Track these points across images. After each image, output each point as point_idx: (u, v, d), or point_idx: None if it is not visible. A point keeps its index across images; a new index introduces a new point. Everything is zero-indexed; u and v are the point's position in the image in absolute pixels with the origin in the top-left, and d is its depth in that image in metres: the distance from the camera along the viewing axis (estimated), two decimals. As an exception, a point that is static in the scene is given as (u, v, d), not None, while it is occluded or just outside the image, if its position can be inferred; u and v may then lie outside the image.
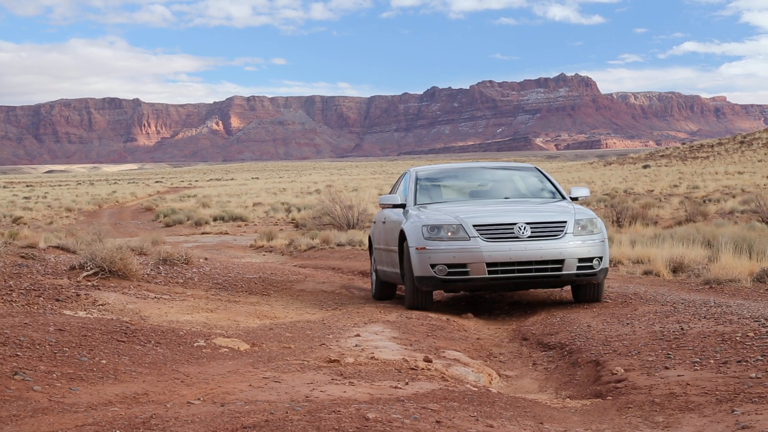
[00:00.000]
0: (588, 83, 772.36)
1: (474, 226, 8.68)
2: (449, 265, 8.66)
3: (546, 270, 8.64)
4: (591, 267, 8.78)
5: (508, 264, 8.59)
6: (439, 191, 10.29)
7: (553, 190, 10.16)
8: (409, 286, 9.06)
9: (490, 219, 8.81)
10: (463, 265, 8.64)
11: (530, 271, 8.62)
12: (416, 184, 10.21)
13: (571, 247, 8.68)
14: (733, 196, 34.87)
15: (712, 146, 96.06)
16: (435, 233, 8.76)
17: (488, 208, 9.41)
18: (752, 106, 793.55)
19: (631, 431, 4.34)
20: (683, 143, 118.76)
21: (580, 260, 8.71)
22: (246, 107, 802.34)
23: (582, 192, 9.98)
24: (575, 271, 8.70)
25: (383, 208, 10.16)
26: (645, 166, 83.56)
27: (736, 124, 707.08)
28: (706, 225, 21.02)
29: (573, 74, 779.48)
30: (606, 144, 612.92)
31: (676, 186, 46.26)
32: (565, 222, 8.80)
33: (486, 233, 8.66)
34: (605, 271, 9.02)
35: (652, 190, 43.94)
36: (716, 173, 59.92)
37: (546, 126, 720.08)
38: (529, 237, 8.60)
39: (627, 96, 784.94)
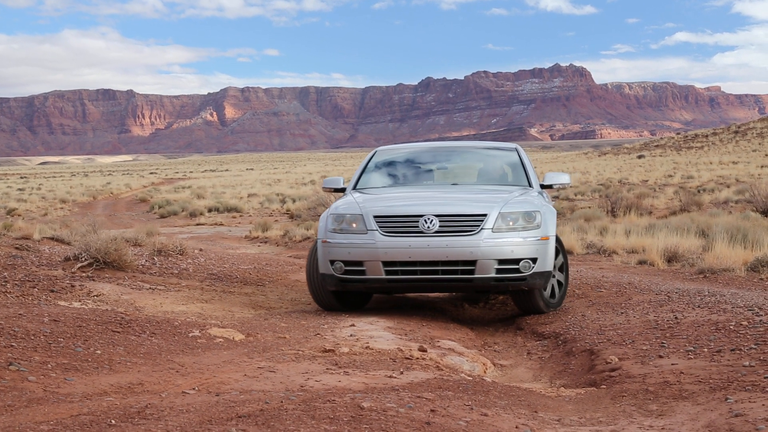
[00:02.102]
0: (582, 73, 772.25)
1: (375, 217, 7.45)
2: (345, 262, 7.50)
3: (455, 272, 7.31)
4: (517, 271, 7.37)
5: (409, 264, 7.30)
6: (390, 174, 9.12)
7: (523, 175, 8.83)
8: (312, 282, 8.00)
9: (394, 209, 7.55)
10: (360, 263, 7.43)
11: (436, 273, 7.30)
12: (366, 165, 9.18)
13: (487, 245, 7.27)
14: (728, 186, 34.93)
15: (707, 136, 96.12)
16: (338, 224, 7.62)
17: (413, 194, 8.28)
18: (746, 95, 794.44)
19: (625, 419, 4.36)
20: (678, 133, 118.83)
21: (501, 262, 7.31)
22: (240, 98, 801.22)
23: (559, 179, 8.77)
24: (494, 275, 7.32)
25: (326, 191, 9.13)
26: (640, 156, 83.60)
27: (730, 114, 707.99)
28: (700, 215, 21.07)
29: (567, 64, 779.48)
30: (601, 134, 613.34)
31: (670, 176, 46.30)
32: (483, 215, 7.38)
33: (386, 226, 7.41)
34: (545, 276, 7.58)
35: (647, 180, 43.97)
36: (711, 163, 59.98)
37: (541, 116, 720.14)
38: (436, 232, 7.28)
39: (621, 86, 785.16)
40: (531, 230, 7.47)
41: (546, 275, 7.59)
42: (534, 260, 7.43)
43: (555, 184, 8.69)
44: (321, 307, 8.11)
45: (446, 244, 7.24)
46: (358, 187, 8.78)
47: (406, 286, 7.55)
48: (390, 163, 9.32)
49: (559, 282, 8.11)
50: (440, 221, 7.32)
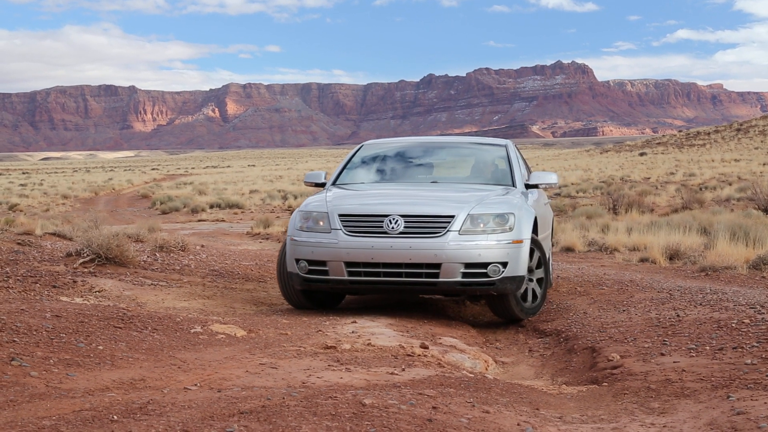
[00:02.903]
0: (585, 70, 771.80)
1: (339, 216, 7.26)
2: (309, 262, 7.32)
3: (420, 275, 7.04)
4: (485, 275, 7.06)
5: (372, 265, 7.08)
6: (372, 170, 8.88)
7: (508, 174, 8.48)
8: (280, 280, 7.82)
9: (358, 208, 7.35)
10: (323, 263, 7.24)
11: (400, 275, 7.05)
12: (349, 160, 8.95)
13: (453, 248, 6.99)
14: (730, 184, 34.90)
15: (709, 134, 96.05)
16: (305, 222, 7.45)
17: (384, 192, 8.05)
18: (749, 93, 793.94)
19: (627, 417, 4.36)
20: (680, 131, 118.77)
21: (468, 265, 7.02)
22: (242, 94, 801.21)
23: (545, 179, 8.38)
24: (459, 279, 7.03)
25: (307, 185, 8.85)
26: (641, 154, 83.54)
27: (732, 112, 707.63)
28: (702, 212, 21.06)
29: (570, 62, 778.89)
30: (602, 131, 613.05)
31: (672, 173, 46.26)
32: (451, 217, 7.10)
33: (350, 226, 7.20)
34: (517, 281, 7.24)
35: (649, 178, 43.94)
36: (713, 161, 59.93)
37: (542, 113, 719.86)
38: (400, 233, 7.04)
39: (624, 83, 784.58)
40: (502, 233, 7.15)
41: (518, 280, 7.26)
42: (504, 264, 7.11)
43: (541, 184, 8.35)
44: (291, 305, 7.93)
45: (410, 246, 6.99)
46: (338, 182, 8.58)
47: (369, 288, 7.31)
48: (374, 159, 9.09)
49: (536, 288, 7.73)
50: (405, 222, 7.07)
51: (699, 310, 7.21)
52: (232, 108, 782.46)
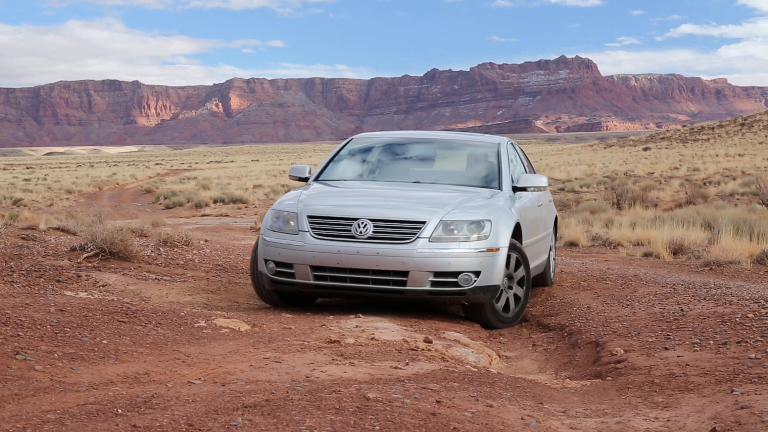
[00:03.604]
0: (588, 65, 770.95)
1: (308, 217, 7.04)
2: (276, 263, 7.15)
3: (387, 282, 6.84)
4: (455, 284, 6.83)
5: (338, 270, 6.87)
6: (357, 166, 8.65)
7: (496, 175, 8.18)
8: (253, 277, 7.68)
9: (327, 210, 7.10)
10: (289, 266, 7.05)
11: (366, 282, 6.86)
12: (335, 154, 8.70)
13: (421, 255, 6.73)
14: (734, 179, 34.88)
15: (713, 128, 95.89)
16: (276, 221, 7.26)
17: (358, 193, 7.85)
18: (753, 88, 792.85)
19: (631, 411, 4.36)
20: (684, 125, 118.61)
21: (437, 274, 6.78)
22: (246, 89, 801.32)
23: (534, 181, 8.01)
24: (428, 288, 6.79)
25: (291, 179, 8.60)
26: (645, 149, 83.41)
27: (737, 106, 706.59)
28: (706, 207, 21.05)
29: (573, 56, 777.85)
30: (606, 126, 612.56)
31: (676, 168, 46.21)
32: (422, 222, 6.83)
33: (317, 228, 6.98)
34: (491, 290, 6.98)
35: (653, 173, 43.91)
36: (717, 155, 59.84)
37: (546, 108, 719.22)
38: (368, 238, 6.80)
39: (628, 78, 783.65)
40: (476, 241, 6.88)
41: (492, 290, 7.00)
42: (477, 273, 6.85)
43: (529, 187, 7.99)
44: (264, 302, 7.76)
45: (377, 252, 6.75)
46: (321, 177, 8.34)
47: (335, 293, 7.14)
48: (361, 154, 8.84)
49: (516, 296, 7.45)
50: (374, 226, 6.83)
51: (703, 304, 7.21)
52: (235, 103, 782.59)
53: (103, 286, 8.27)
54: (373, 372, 4.83)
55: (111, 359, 4.75)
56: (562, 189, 35.07)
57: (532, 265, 8.16)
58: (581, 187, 35.19)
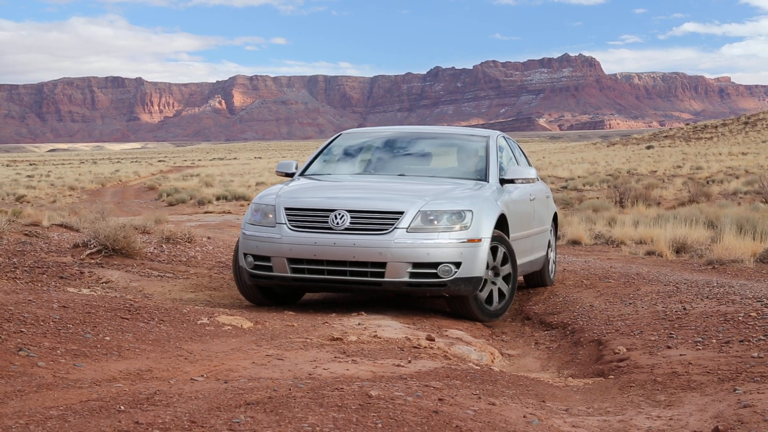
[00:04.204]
0: (592, 63, 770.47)
1: (286, 209, 6.97)
2: (255, 257, 7.06)
3: (364, 274, 6.73)
4: (435, 275, 6.70)
5: (315, 262, 6.78)
6: (344, 160, 8.52)
7: (483, 167, 8.00)
8: (235, 274, 7.56)
9: (305, 202, 7.04)
10: (267, 259, 6.96)
11: (344, 274, 6.76)
12: (323, 149, 8.59)
13: (399, 246, 6.63)
14: (737, 177, 34.84)
15: (716, 127, 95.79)
16: (254, 215, 7.19)
17: (337, 185, 7.73)
18: (756, 86, 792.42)
19: (633, 410, 4.36)
20: (687, 124, 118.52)
21: (416, 265, 6.67)
22: (249, 86, 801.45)
23: (522, 173, 7.88)
24: (407, 279, 6.68)
25: (278, 175, 8.44)
26: (648, 147, 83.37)
27: (740, 105, 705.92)
28: (709, 206, 21.03)
29: (577, 54, 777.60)
30: (609, 124, 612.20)
31: (679, 167, 46.17)
32: (400, 213, 6.73)
33: (294, 220, 6.90)
34: (473, 282, 6.85)
35: (656, 171, 43.87)
36: (720, 154, 59.78)
37: (549, 106, 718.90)
38: (346, 229, 6.70)
39: (631, 76, 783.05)
40: (456, 231, 6.76)
41: (474, 281, 6.86)
42: (457, 264, 6.72)
43: (517, 179, 7.85)
44: (247, 300, 7.62)
45: (353, 243, 6.66)
46: (307, 172, 8.21)
47: (313, 286, 7.07)
48: (350, 149, 8.70)
49: (500, 290, 7.32)
50: (352, 217, 6.73)
51: (706, 303, 7.20)
52: (238, 100, 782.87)
53: (105, 282, 8.28)
54: (375, 370, 4.84)
55: (114, 356, 4.75)
56: (565, 187, 35.05)
57: (524, 260, 8.12)
58: (584, 186, 35.17)
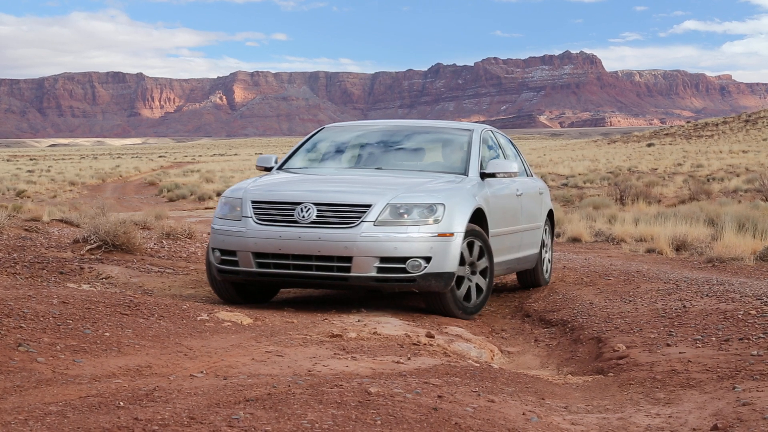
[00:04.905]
0: (593, 61, 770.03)
1: (252, 202, 6.84)
2: (222, 251, 6.93)
3: (331, 269, 6.59)
4: (403, 270, 6.56)
5: (280, 256, 6.65)
6: (325, 154, 8.37)
7: (464, 161, 7.79)
8: (208, 270, 7.36)
9: (271, 195, 6.91)
10: (233, 253, 6.84)
11: (310, 268, 6.61)
12: (304, 142, 8.46)
13: (365, 240, 6.48)
14: (737, 175, 34.85)
15: (717, 125, 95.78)
16: (222, 208, 7.06)
17: (306, 179, 7.59)
18: (757, 84, 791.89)
19: (633, 407, 4.36)
20: (688, 122, 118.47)
21: (384, 260, 6.52)
22: (250, 82, 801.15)
23: (503, 167, 7.65)
24: (374, 274, 6.54)
25: (258, 169, 8.26)
26: (649, 145, 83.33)
27: (741, 103, 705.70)
28: (709, 204, 21.04)
29: (578, 52, 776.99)
30: (610, 122, 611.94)
31: (680, 164, 46.17)
32: (367, 206, 6.59)
33: (261, 213, 6.78)
34: (444, 277, 6.70)
35: (656, 169, 43.87)
36: (720, 152, 59.78)
37: (550, 103, 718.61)
38: (312, 222, 6.57)
39: (632, 74, 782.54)
40: (427, 225, 6.60)
41: (446, 277, 6.69)
42: (427, 259, 6.56)
43: (498, 173, 7.63)
44: (219, 297, 7.38)
45: (319, 237, 6.51)
46: (285, 167, 8.06)
47: (279, 281, 6.88)
48: (331, 142, 8.54)
49: (478, 286, 7.20)
50: (318, 210, 6.59)
51: (705, 301, 7.20)
52: (239, 96, 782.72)
53: (105, 278, 8.28)
54: (375, 366, 4.84)
55: (113, 352, 4.75)
56: (565, 184, 35.05)
57: (509, 257, 8.03)
58: (585, 183, 35.17)
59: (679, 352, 5.45)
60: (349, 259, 6.52)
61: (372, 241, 6.50)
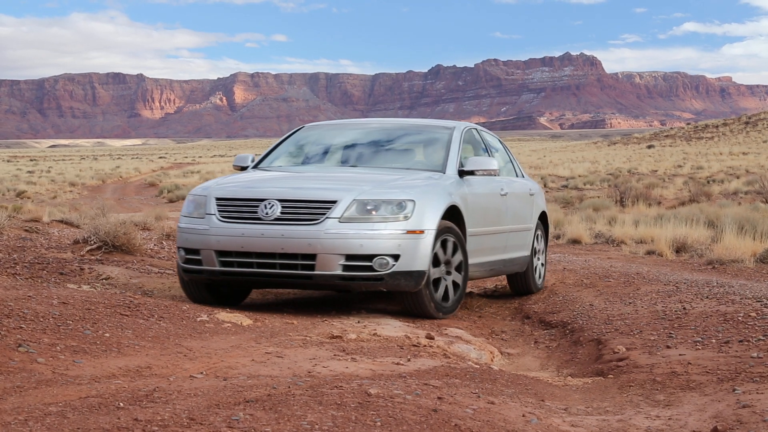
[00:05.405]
0: (593, 62, 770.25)
1: (216, 199, 6.65)
2: (186, 250, 6.75)
3: (295, 267, 6.39)
4: (370, 269, 6.35)
5: (244, 255, 6.47)
6: (302, 152, 8.17)
7: (443, 159, 7.56)
8: (178, 270, 7.14)
9: (235, 192, 6.74)
10: (197, 252, 6.65)
11: (274, 267, 6.42)
12: (281, 141, 8.28)
13: (330, 237, 6.28)
14: (738, 177, 34.86)
15: (717, 126, 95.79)
16: (188, 206, 6.88)
17: (282, 174, 7.45)
18: (758, 86, 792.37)
19: (632, 409, 4.36)
20: (688, 123, 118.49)
21: (349, 257, 6.31)
22: (250, 83, 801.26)
23: (482, 164, 7.41)
24: (339, 272, 6.33)
25: (235, 169, 8.09)
26: (649, 146, 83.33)
27: (741, 105, 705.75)
28: (709, 206, 21.04)
29: (578, 53, 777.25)
30: (610, 124, 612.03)
31: (680, 166, 46.17)
32: (333, 202, 6.39)
33: (224, 211, 6.59)
34: (414, 276, 6.47)
35: (656, 171, 43.88)
36: (721, 154, 59.77)
37: (550, 105, 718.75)
38: (275, 219, 6.37)
39: (632, 75, 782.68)
40: (395, 221, 6.39)
41: (416, 276, 6.47)
42: (395, 257, 6.35)
43: (478, 170, 7.38)
44: (190, 299, 7.07)
45: (282, 234, 6.32)
46: (261, 165, 7.88)
47: (242, 280, 6.66)
48: (309, 141, 8.35)
49: (455, 283, 7.03)
50: (283, 207, 6.39)
51: (705, 303, 7.20)
52: (240, 97, 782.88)
53: (105, 279, 8.27)
54: (374, 368, 4.84)
55: (113, 352, 4.75)
56: (565, 186, 35.06)
57: (492, 258, 7.85)
58: (585, 185, 35.18)
59: (679, 354, 5.45)
60: (313, 257, 6.32)
61: (336, 238, 6.30)
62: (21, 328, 4.83)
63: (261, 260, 6.43)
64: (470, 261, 7.24)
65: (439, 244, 6.69)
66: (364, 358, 5.09)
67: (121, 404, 3.56)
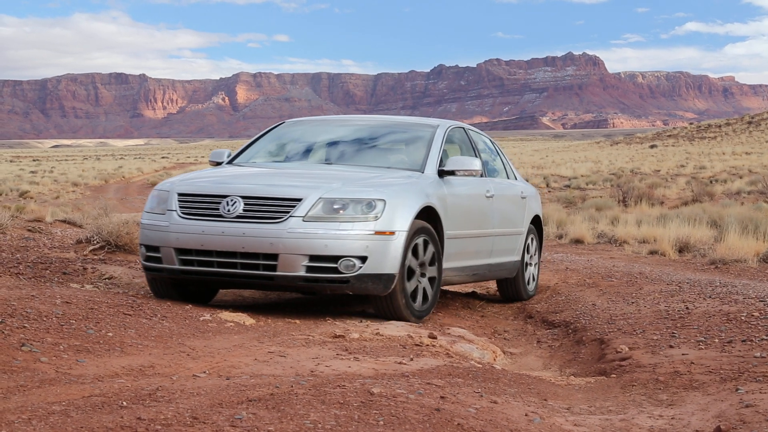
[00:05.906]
0: (596, 62, 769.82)
1: (178, 195, 6.41)
2: (146, 247, 6.52)
3: (256, 267, 6.14)
4: (335, 270, 6.07)
5: (204, 253, 6.21)
6: (278, 149, 7.93)
7: (423, 157, 7.21)
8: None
9: (197, 187, 6.48)
10: (156, 249, 6.41)
11: (234, 266, 6.16)
12: (259, 137, 8.02)
13: (292, 236, 6.01)
14: (740, 177, 34.83)
15: (720, 126, 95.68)
16: (151, 202, 6.66)
17: (247, 170, 7.21)
18: (761, 86, 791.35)
19: (635, 409, 4.36)
20: (690, 123, 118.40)
21: (313, 258, 6.04)
22: (252, 83, 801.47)
23: (464, 164, 7.05)
24: (302, 274, 6.06)
25: (211, 165, 7.82)
26: (652, 146, 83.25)
27: (744, 104, 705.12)
28: (712, 205, 21.04)
29: (581, 53, 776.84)
30: (613, 123, 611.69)
31: (682, 166, 46.13)
32: (297, 200, 6.12)
33: (186, 207, 6.35)
34: (383, 279, 6.19)
35: (659, 170, 43.84)
36: (723, 153, 59.71)
37: (553, 105, 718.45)
38: (237, 217, 6.12)
39: (635, 75, 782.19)
40: (364, 222, 6.10)
41: (385, 279, 6.19)
42: (362, 259, 6.07)
43: (458, 170, 7.04)
44: (156, 297, 6.78)
45: (243, 233, 6.06)
46: (236, 161, 7.60)
47: (202, 279, 6.39)
48: (286, 137, 8.09)
49: (431, 285, 6.78)
50: (246, 204, 6.14)
51: (708, 302, 7.20)
52: (242, 97, 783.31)
53: (108, 278, 8.28)
54: (377, 367, 4.83)
55: (116, 352, 4.76)
56: (568, 186, 35.05)
57: (477, 263, 7.63)
58: (587, 185, 35.17)
59: (682, 354, 5.45)
60: (275, 257, 6.07)
61: (299, 237, 6.02)
62: (24, 327, 4.83)
63: (222, 259, 6.19)
64: (451, 264, 7.02)
65: (412, 246, 6.42)
66: (366, 358, 5.09)
67: (124, 403, 3.56)
